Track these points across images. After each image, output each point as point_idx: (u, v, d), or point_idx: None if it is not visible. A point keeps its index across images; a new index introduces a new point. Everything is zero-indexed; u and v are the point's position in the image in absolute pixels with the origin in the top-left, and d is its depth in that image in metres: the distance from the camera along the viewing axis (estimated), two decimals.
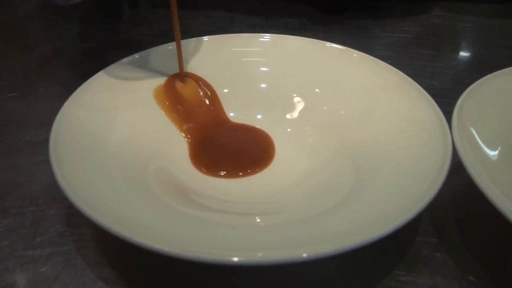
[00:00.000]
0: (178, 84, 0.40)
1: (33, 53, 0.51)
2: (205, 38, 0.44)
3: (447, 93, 0.39)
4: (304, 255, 0.24)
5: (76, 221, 0.32)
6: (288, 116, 0.40)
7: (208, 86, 0.41)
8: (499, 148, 0.32)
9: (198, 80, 0.41)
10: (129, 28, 0.57)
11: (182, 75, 0.41)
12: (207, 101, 0.41)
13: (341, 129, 0.37)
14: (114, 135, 0.34)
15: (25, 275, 0.29)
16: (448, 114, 0.33)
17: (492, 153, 0.32)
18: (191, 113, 0.40)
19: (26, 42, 0.53)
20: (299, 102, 0.41)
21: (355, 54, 0.41)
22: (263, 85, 0.42)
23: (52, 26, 0.56)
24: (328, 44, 0.42)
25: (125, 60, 0.40)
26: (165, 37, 0.43)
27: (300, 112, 0.40)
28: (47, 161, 0.30)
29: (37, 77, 0.47)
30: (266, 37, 0.44)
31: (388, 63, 0.40)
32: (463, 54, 0.53)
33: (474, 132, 0.32)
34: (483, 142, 0.32)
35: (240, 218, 0.31)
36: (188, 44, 0.43)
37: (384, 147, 0.34)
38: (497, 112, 0.35)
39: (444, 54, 0.52)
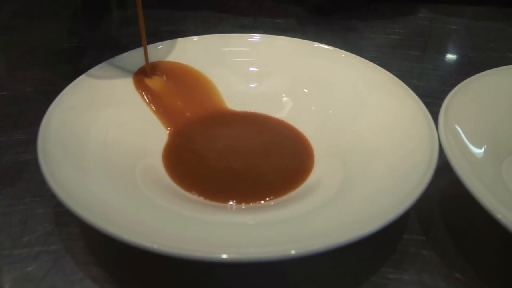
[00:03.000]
0: (148, 80, 0.40)
1: (20, 52, 0.50)
2: (195, 38, 0.44)
3: (434, 94, 0.40)
4: (293, 252, 0.24)
5: (64, 220, 0.32)
6: (277, 115, 0.40)
7: (189, 74, 0.41)
8: (485, 147, 0.33)
9: (172, 70, 0.41)
10: (117, 27, 0.56)
11: (149, 69, 0.40)
12: (188, 90, 0.40)
13: (329, 128, 0.37)
14: (102, 133, 0.34)
15: (12, 275, 0.29)
16: (435, 114, 0.33)
17: (478, 152, 0.32)
18: (172, 107, 0.39)
19: (13, 40, 0.53)
20: (287, 102, 0.41)
21: (343, 54, 0.41)
22: (252, 85, 0.42)
23: (39, 25, 0.56)
24: (317, 44, 0.43)
25: (113, 59, 0.40)
26: (154, 36, 0.43)
27: (289, 112, 0.40)
28: (35, 160, 0.29)
29: (24, 76, 0.46)
30: (255, 37, 0.44)
31: (376, 63, 0.40)
32: (450, 55, 0.54)
33: (460, 131, 0.32)
34: (469, 140, 0.32)
35: (229, 215, 0.31)
36: (177, 43, 0.43)
37: (372, 146, 0.34)
38: (482, 111, 0.35)
39: (431, 55, 0.52)
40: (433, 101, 0.36)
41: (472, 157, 0.31)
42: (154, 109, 0.38)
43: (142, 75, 0.40)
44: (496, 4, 0.62)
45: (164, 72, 0.41)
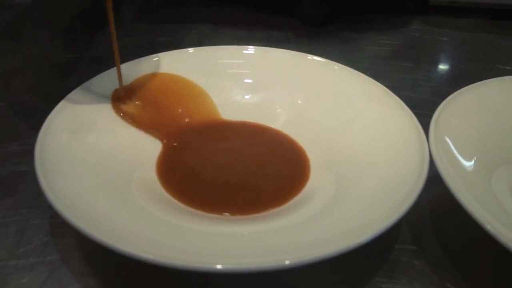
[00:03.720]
0: (125, 106, 0.39)
1: (16, 63, 0.51)
2: (190, 49, 0.44)
3: (425, 105, 0.40)
4: (287, 262, 0.25)
5: (60, 231, 0.32)
6: (271, 126, 0.41)
7: (184, 85, 0.41)
8: (475, 158, 0.33)
9: (164, 82, 0.41)
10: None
11: (123, 93, 0.39)
12: (182, 101, 0.41)
13: (322, 139, 0.38)
14: (98, 144, 0.35)
15: (8, 286, 0.29)
16: (427, 125, 0.34)
17: (468, 164, 0.33)
18: (161, 119, 0.39)
19: (9, 51, 0.53)
20: (282, 113, 0.41)
21: (336, 66, 0.42)
22: (247, 96, 0.43)
23: (35, 36, 0.56)
24: (310, 56, 0.43)
25: (110, 70, 0.40)
26: (150, 48, 0.44)
27: (283, 123, 0.41)
28: (31, 171, 0.30)
29: (21, 87, 0.47)
30: (250, 49, 0.45)
31: (369, 75, 0.41)
32: (441, 67, 0.55)
33: (450, 143, 0.33)
34: (459, 152, 0.33)
35: (224, 226, 0.31)
36: (172, 55, 0.43)
37: (364, 157, 0.34)
38: (472, 123, 0.36)
39: (423, 66, 0.53)
40: (424, 112, 0.37)
41: (462, 169, 0.32)
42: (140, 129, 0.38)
43: (118, 100, 0.39)
44: (487, 16, 0.63)
45: (153, 85, 0.41)
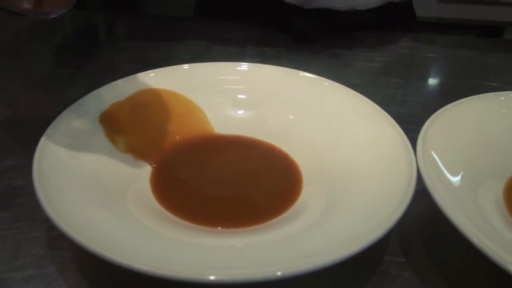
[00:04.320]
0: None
1: (12, 79, 0.51)
2: (185, 66, 0.45)
3: (414, 120, 0.41)
4: (279, 273, 0.25)
5: (57, 243, 0.33)
6: (265, 140, 0.41)
7: (179, 101, 0.42)
8: (461, 174, 0.34)
9: (158, 97, 0.41)
10: (108, 55, 0.58)
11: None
12: (177, 116, 0.41)
13: (314, 153, 0.39)
14: (95, 159, 0.35)
15: None
16: (415, 140, 0.35)
17: (455, 179, 0.34)
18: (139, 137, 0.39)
19: (4, 66, 0.54)
20: (274, 127, 0.42)
21: (327, 82, 0.43)
22: (240, 112, 0.44)
23: (30, 52, 0.57)
24: (302, 73, 0.44)
25: (106, 86, 0.41)
26: (145, 63, 0.45)
27: (275, 138, 0.41)
28: (28, 185, 0.30)
29: (16, 101, 0.47)
30: (243, 66, 0.46)
31: (358, 91, 0.42)
32: (429, 83, 0.56)
33: (438, 159, 0.34)
34: (446, 168, 0.34)
35: (218, 238, 0.32)
36: (167, 71, 0.44)
37: (354, 171, 0.35)
38: (458, 138, 0.37)
39: (411, 82, 0.54)
40: (413, 127, 0.38)
41: (449, 184, 0.33)
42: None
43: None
44: (474, 33, 0.65)
45: (147, 103, 0.42)
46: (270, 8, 0.61)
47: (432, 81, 0.57)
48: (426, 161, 0.33)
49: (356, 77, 0.54)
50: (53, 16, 0.35)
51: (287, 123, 0.42)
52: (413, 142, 0.35)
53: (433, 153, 0.34)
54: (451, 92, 0.53)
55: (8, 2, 0.34)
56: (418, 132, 0.36)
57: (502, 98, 0.42)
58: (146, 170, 0.37)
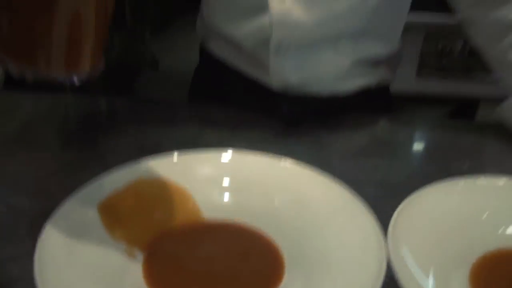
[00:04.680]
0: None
1: (16, 165, 0.54)
2: (178, 155, 0.49)
3: (389, 202, 0.44)
4: None
5: None
6: (250, 224, 0.45)
7: (167, 188, 0.45)
8: (432, 270, 0.38)
9: (146, 189, 0.45)
10: (110, 139, 0.61)
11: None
12: (165, 204, 0.45)
13: (294, 238, 0.43)
14: (92, 250, 0.39)
15: None
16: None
17: (424, 275, 0.37)
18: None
19: (11, 154, 0.56)
20: (258, 213, 0.46)
21: (307, 170, 0.48)
22: (226, 198, 0.47)
23: (34, 135, 0.60)
24: (284, 161, 0.49)
25: (106, 175, 0.45)
26: (139, 149, 0.48)
27: (259, 222, 0.45)
28: (26, 276, 0.33)
29: (20, 190, 0.50)
30: (228, 154, 0.50)
31: (337, 173, 0.46)
32: (404, 164, 0.60)
33: (408, 254, 0.38)
34: (416, 263, 0.37)
35: None
36: (156, 162, 0.48)
37: (330, 258, 0.40)
38: (427, 229, 0.40)
39: (387, 163, 0.58)
40: (388, 211, 0.42)
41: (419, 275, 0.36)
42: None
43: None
44: (446, 109, 0.69)
45: (141, 191, 0.45)
46: (258, 93, 0.66)
47: (407, 163, 0.60)
48: (396, 257, 0.37)
49: (335, 159, 0.57)
50: (77, 80, 0.37)
51: (270, 208, 0.46)
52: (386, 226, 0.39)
53: (403, 247, 0.38)
54: (425, 173, 0.55)
55: (38, 68, 0.35)
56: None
57: (467, 184, 0.46)
58: (138, 258, 0.41)
